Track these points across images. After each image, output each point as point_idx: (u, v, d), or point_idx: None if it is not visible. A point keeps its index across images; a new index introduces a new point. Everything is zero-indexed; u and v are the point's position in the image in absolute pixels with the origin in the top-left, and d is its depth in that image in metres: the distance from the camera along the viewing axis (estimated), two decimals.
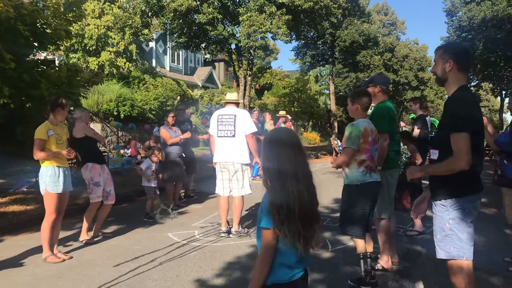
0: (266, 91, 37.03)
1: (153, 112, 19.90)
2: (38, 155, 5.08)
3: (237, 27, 16.48)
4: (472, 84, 42.22)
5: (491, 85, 44.38)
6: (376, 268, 4.51)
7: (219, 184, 6.32)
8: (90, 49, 18.53)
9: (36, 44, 8.01)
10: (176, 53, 35.41)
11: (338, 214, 7.09)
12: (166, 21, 16.62)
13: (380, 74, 5.17)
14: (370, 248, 4.23)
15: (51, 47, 8.59)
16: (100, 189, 6.07)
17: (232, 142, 6.14)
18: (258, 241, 2.20)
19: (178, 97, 23.08)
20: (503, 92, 41.38)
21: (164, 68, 32.84)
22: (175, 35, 19.23)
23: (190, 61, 38.40)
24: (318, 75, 36.83)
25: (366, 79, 5.21)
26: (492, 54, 28.39)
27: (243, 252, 5.36)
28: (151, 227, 6.83)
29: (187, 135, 8.35)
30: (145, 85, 21.39)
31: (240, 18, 15.02)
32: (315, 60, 32.43)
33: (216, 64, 42.34)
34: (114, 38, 18.50)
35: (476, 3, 24.05)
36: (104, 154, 11.49)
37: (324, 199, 8.68)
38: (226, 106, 6.43)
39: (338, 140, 5.80)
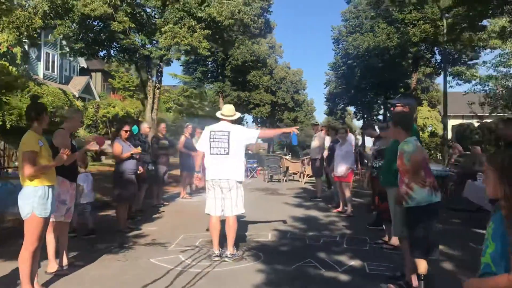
0: None
1: None
2: (32, 170, 4.18)
3: (152, 38, 15.77)
4: (339, 108, 45.84)
5: (354, 109, 48.31)
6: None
7: (210, 203, 5.87)
8: None
9: None
10: (50, 60, 32.63)
11: (315, 232, 7.13)
12: (68, 24, 15.16)
13: (407, 95, 5.36)
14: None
15: None
16: (65, 208, 5.22)
17: (226, 159, 5.77)
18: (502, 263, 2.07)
19: (66, 107, 21.15)
20: (365, 116, 45.27)
21: (37, 75, 29.89)
22: (69, 40, 17.63)
23: (65, 70, 35.63)
24: (204, 92, 36.92)
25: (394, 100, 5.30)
26: (365, 82, 31.32)
27: (257, 278, 4.98)
28: (121, 253, 6.04)
29: (138, 150, 7.65)
30: (29, 93, 19.18)
31: (163, 29, 14.36)
32: (205, 76, 32.44)
33: (93, 74, 39.89)
34: None
35: (360, 33, 26.40)
36: None
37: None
38: (220, 121, 6.03)
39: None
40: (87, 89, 35.66)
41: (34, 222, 4.28)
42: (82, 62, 37.58)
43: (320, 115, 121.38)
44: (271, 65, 41.28)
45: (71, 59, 35.00)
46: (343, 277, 5.05)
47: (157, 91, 17.03)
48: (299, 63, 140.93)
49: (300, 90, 46.53)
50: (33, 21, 13.70)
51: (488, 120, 24.64)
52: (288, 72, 44.76)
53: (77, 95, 32.65)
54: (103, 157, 21.56)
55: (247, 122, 47.36)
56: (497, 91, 22.45)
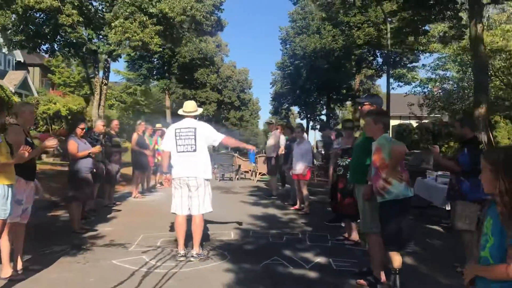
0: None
1: None
2: None
3: (98, 33, 15.19)
4: (284, 107, 46.35)
5: (297, 109, 49.00)
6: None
7: (177, 202, 5.73)
8: None
9: None
10: None
11: (277, 230, 7.17)
12: (9, 15, 14.29)
13: (374, 95, 5.45)
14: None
15: None
16: (21, 208, 4.89)
17: (194, 156, 5.65)
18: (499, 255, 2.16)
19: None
20: (308, 115, 46.11)
21: None
22: (4, 32, 16.67)
23: (0, 63, 33.72)
24: (148, 89, 36.08)
25: (362, 98, 5.38)
26: (310, 82, 31.89)
27: (227, 278, 4.91)
28: (79, 255, 5.75)
29: (97, 149, 7.38)
30: None
31: (113, 24, 13.85)
32: (151, 73, 31.73)
33: (31, 68, 37.94)
34: None
35: (307, 35, 26.85)
36: None
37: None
38: (184, 118, 5.90)
39: None
40: (24, 84, 33.89)
41: None
42: (19, 56, 35.74)
43: (264, 114, 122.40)
44: (218, 64, 41.15)
45: (6, 52, 33.18)
46: (312, 274, 5.09)
47: (104, 87, 16.45)
48: (244, 62, 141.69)
49: (246, 89, 46.69)
50: None
51: (426, 121, 25.86)
52: (234, 71, 44.81)
53: (13, 90, 30.94)
54: (43, 156, 20.57)
55: None
56: (435, 93, 23.57)
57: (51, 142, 5.11)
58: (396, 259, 4.17)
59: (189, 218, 5.81)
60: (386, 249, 4.29)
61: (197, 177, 5.62)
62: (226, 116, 45.00)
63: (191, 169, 5.61)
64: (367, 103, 5.00)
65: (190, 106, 5.92)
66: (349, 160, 6.22)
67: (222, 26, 21.28)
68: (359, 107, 5.17)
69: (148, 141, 11.60)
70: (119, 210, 9.13)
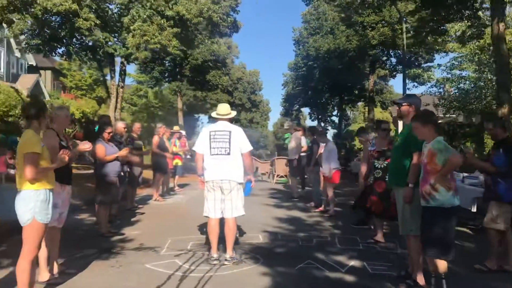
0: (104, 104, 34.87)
1: None
2: (35, 173, 3.88)
3: (114, 35, 15.22)
4: (294, 109, 46.20)
5: (308, 110, 48.85)
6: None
7: (210, 205, 5.68)
8: None
9: None
10: None
11: (305, 233, 7.10)
12: (28, 19, 14.37)
13: (412, 95, 5.36)
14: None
15: None
16: (57, 212, 4.88)
17: (228, 160, 5.61)
18: None
19: (19, 107, 20.13)
20: (319, 116, 45.95)
21: None
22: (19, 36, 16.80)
23: (13, 67, 33.91)
24: (158, 92, 36.17)
25: (399, 98, 5.30)
26: (322, 84, 31.78)
27: (263, 281, 4.84)
28: (112, 259, 5.73)
29: (125, 152, 7.37)
30: None
31: (132, 27, 13.87)
32: (163, 76, 31.81)
33: (42, 72, 38.13)
34: None
35: (321, 35, 26.75)
36: None
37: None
38: (218, 121, 5.86)
39: None
40: (36, 87, 34.00)
41: (35, 228, 4.00)
42: (31, 60, 35.94)
43: (274, 116, 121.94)
44: (228, 65, 41.20)
45: (19, 56, 33.45)
46: (349, 278, 5.02)
47: (121, 90, 16.49)
48: (254, 63, 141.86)
49: (256, 91, 46.67)
50: None
51: (441, 121, 25.59)
52: (245, 72, 44.80)
53: (26, 94, 31.15)
54: None
55: (202, 123, 46.96)
56: (451, 93, 23.29)
57: (86, 146, 5.12)
58: (441, 264, 4.10)
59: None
60: (425, 254, 4.24)
61: (231, 180, 5.59)
62: (237, 117, 45.05)
63: (224, 172, 5.57)
64: (405, 103, 4.92)
65: (224, 109, 5.88)
66: (386, 162, 6.15)
67: (238, 27, 21.24)
68: (397, 108, 5.09)
69: (167, 143, 11.61)
70: (143, 213, 9.12)
